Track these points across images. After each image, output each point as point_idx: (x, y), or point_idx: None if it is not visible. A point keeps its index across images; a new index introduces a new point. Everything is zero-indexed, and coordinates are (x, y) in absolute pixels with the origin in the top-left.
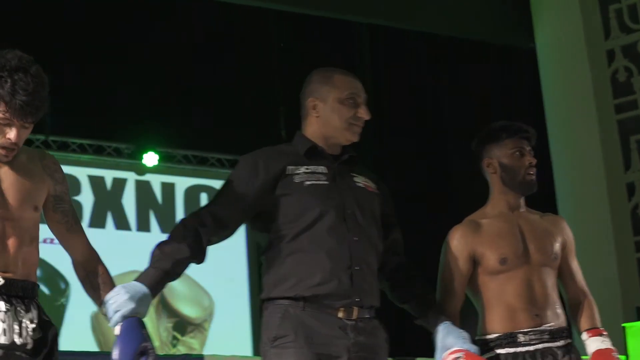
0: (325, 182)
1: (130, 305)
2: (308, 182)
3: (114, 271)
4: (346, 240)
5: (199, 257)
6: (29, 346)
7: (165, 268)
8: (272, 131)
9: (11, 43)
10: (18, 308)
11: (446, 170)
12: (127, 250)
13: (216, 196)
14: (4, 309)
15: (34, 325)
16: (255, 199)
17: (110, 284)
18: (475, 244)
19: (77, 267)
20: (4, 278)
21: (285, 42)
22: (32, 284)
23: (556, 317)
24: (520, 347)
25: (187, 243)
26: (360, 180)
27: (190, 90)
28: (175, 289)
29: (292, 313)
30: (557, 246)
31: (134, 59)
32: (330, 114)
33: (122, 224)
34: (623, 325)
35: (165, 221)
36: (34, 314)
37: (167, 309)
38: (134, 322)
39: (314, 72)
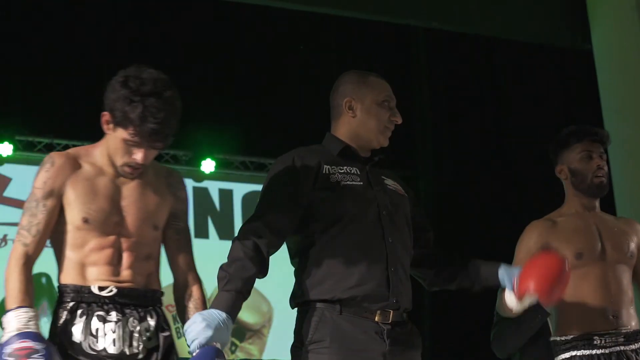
0: (360, 184)
1: (208, 333)
2: (344, 182)
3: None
4: (383, 242)
5: (264, 271)
6: (141, 355)
7: (237, 289)
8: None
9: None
10: (131, 318)
11: (508, 171)
12: None
13: (263, 203)
14: (114, 319)
15: (148, 334)
16: (302, 197)
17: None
18: (550, 238)
19: (176, 287)
20: (117, 287)
21: (343, 45)
22: (152, 291)
23: (631, 319)
24: (596, 349)
25: (249, 259)
26: (390, 183)
27: (247, 96)
28: None
29: (329, 317)
30: (632, 245)
31: (190, 65)
32: (366, 115)
33: None
34: None
35: (224, 227)
36: (150, 322)
37: None
38: (209, 351)
39: (347, 73)
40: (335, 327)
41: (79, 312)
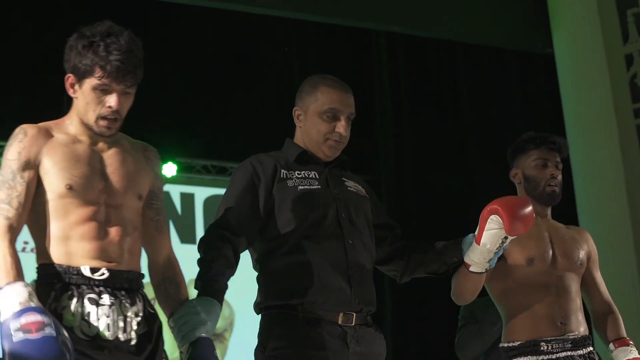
0: (318, 187)
1: (205, 324)
2: (301, 187)
3: None
4: (342, 244)
5: (235, 267)
6: (133, 342)
7: (218, 279)
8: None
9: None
10: (123, 301)
11: (467, 175)
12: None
13: (225, 210)
14: (108, 302)
15: (138, 319)
16: (261, 203)
17: (186, 298)
18: None
19: (155, 270)
20: (108, 270)
21: (305, 50)
22: (138, 274)
23: (580, 325)
24: (542, 355)
25: (224, 255)
26: (351, 185)
27: (209, 100)
28: None
29: (290, 322)
30: (582, 254)
31: (152, 68)
32: (310, 126)
33: None
34: None
35: (185, 231)
36: (139, 306)
37: None
38: (210, 344)
39: (306, 80)
40: (297, 332)
41: (68, 293)
